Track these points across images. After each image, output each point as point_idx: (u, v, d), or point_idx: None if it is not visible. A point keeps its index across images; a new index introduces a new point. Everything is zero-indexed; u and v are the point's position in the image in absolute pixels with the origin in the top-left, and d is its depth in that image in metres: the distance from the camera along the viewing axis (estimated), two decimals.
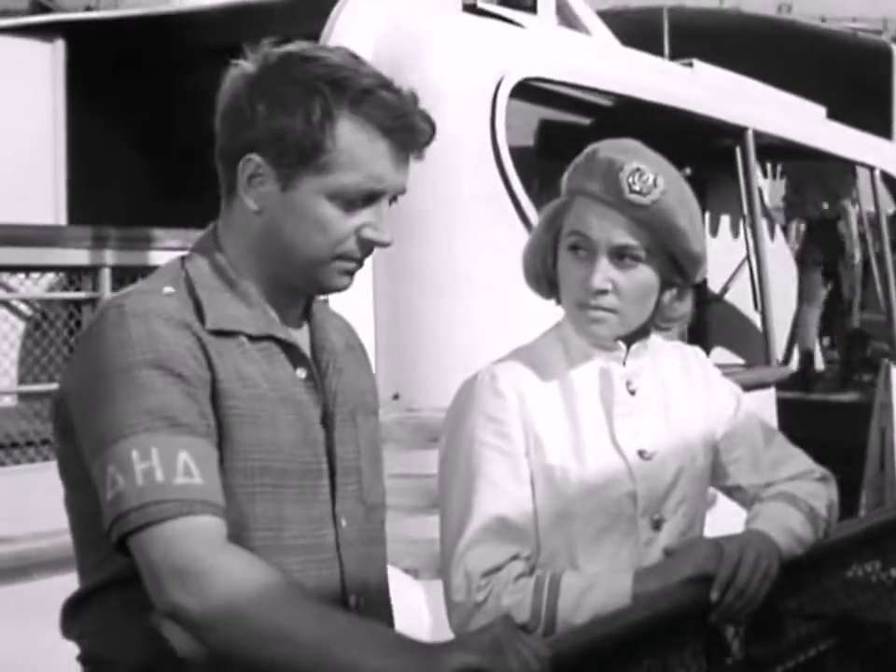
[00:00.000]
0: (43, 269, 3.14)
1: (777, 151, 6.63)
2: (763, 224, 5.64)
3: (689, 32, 7.25)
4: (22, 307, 3.30)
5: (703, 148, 6.16)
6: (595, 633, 1.71)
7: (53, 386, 3.04)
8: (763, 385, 5.10)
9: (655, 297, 2.02)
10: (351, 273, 1.73)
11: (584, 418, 2.04)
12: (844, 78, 7.71)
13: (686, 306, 2.08)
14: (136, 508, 1.50)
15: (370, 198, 1.67)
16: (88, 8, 5.55)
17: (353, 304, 3.80)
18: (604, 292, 1.97)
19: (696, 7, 8.86)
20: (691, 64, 5.43)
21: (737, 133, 5.53)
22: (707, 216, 6.68)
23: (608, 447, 2.03)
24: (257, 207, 1.68)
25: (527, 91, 4.33)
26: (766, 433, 2.17)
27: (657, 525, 2.03)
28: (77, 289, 3.13)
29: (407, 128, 1.66)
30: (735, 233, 6.92)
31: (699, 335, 6.59)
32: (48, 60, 4.40)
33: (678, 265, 2.01)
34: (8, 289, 3.26)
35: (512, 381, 2.03)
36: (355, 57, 1.71)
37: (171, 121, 4.28)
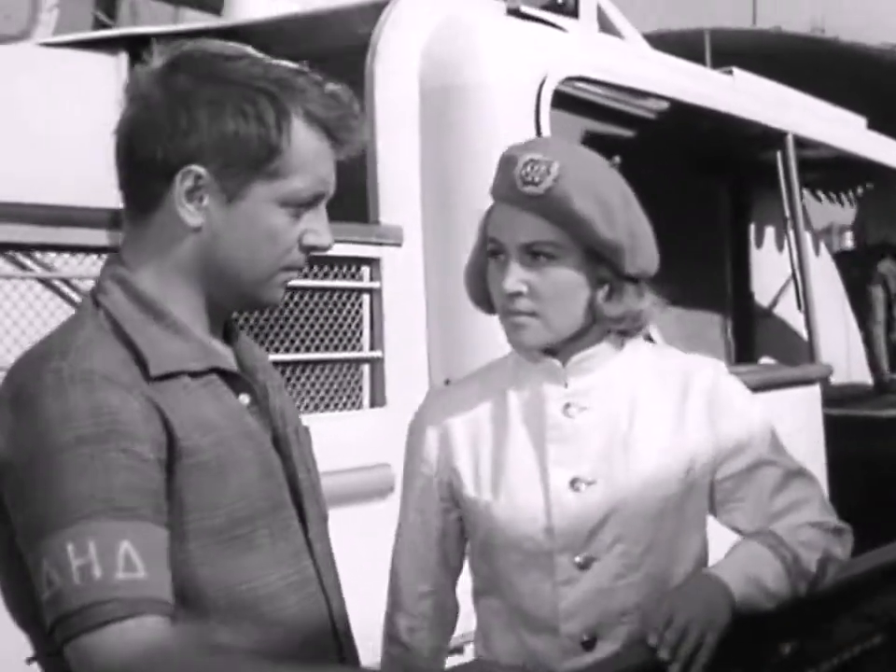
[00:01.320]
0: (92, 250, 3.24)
1: (820, 164, 6.73)
2: (803, 225, 5.73)
3: (730, 52, 7.39)
4: (65, 288, 3.41)
5: (746, 161, 6.28)
6: None
7: None
8: (807, 382, 5.19)
9: (584, 296, 1.87)
10: (285, 286, 1.61)
11: (512, 447, 1.93)
12: (884, 96, 7.82)
13: (626, 305, 1.88)
14: (75, 611, 1.33)
15: (312, 202, 1.56)
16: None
17: (406, 296, 3.97)
18: (518, 294, 1.86)
19: (737, 27, 9.00)
20: (730, 72, 5.56)
21: (778, 138, 5.64)
22: (752, 229, 6.79)
23: (530, 478, 1.91)
24: (196, 223, 1.51)
25: (569, 101, 4.48)
26: (784, 475, 1.94)
27: (583, 565, 1.88)
28: None
29: (349, 127, 1.56)
30: (780, 247, 7.02)
31: (747, 349, 6.69)
32: (112, 72, 4.60)
33: (600, 257, 1.86)
34: (48, 268, 3.36)
35: (440, 409, 2.00)
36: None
37: None
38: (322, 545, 1.65)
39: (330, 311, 3.84)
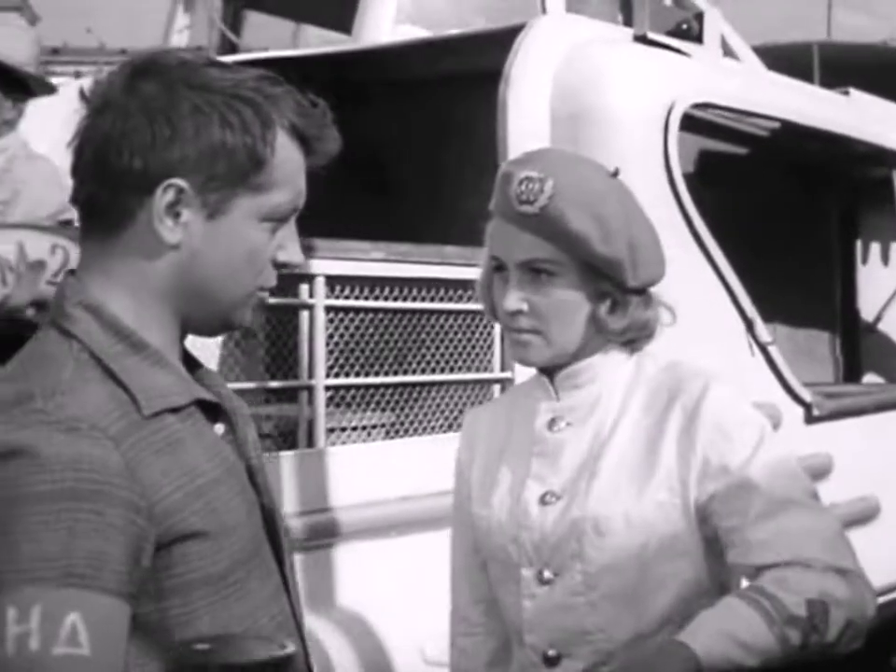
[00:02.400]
0: None
1: None
2: None
3: (838, 66, 7.40)
4: None
5: (855, 176, 6.30)
6: None
7: (238, 385, 3.37)
8: None
9: (586, 311, 1.85)
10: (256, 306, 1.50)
11: (506, 460, 1.95)
12: None
13: (631, 317, 1.86)
14: None
15: (288, 216, 1.46)
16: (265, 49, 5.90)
17: None
18: (519, 312, 1.84)
19: (846, 41, 8.98)
20: (847, 92, 5.59)
21: (892, 156, 5.66)
22: (859, 244, 6.80)
23: (512, 491, 1.92)
24: (174, 241, 1.38)
25: (688, 122, 4.55)
26: (775, 502, 1.76)
27: (545, 580, 1.87)
28: (295, 296, 3.45)
29: (325, 139, 1.47)
30: (886, 261, 7.00)
31: (852, 364, 6.70)
32: None
33: (600, 272, 1.83)
34: None
35: (470, 427, 2.05)
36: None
37: (354, 149, 4.58)
38: (293, 579, 1.56)
39: (463, 333, 3.95)
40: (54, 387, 1.32)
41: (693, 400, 1.84)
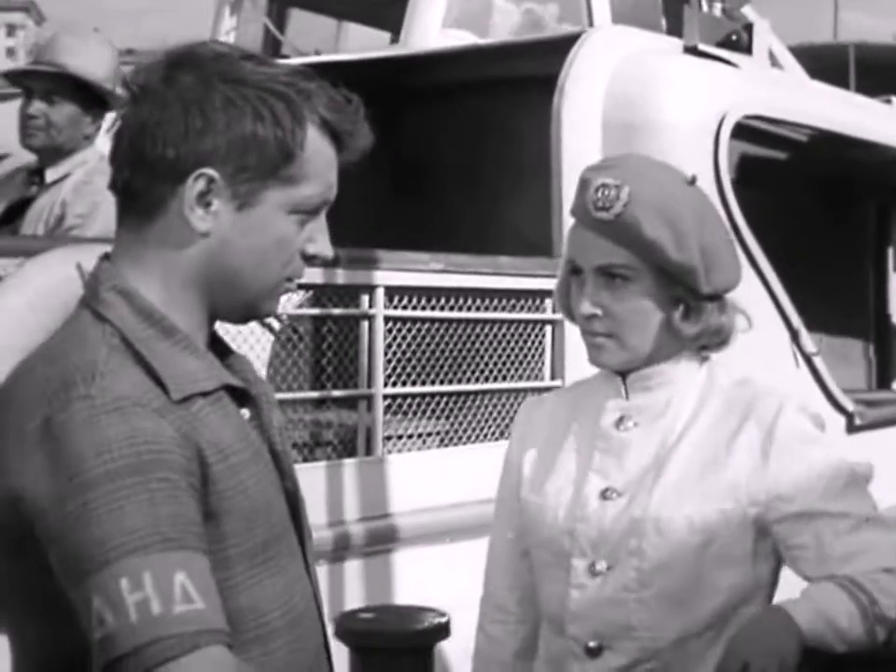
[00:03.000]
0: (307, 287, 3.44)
1: None
2: None
3: (873, 66, 7.42)
4: (273, 322, 3.59)
5: (889, 179, 6.33)
6: None
7: (300, 395, 3.45)
8: None
9: (659, 316, 1.88)
10: (283, 295, 1.54)
11: (565, 453, 1.98)
12: None
13: (705, 322, 1.88)
14: (130, 652, 1.25)
15: (318, 209, 1.49)
16: (317, 52, 5.93)
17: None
18: (594, 316, 1.87)
19: (880, 42, 9.00)
20: (889, 101, 5.62)
21: None
22: (891, 250, 6.83)
23: (569, 482, 1.95)
24: (205, 229, 1.42)
25: (735, 129, 4.57)
26: (848, 525, 1.85)
27: (597, 572, 1.90)
28: (356, 307, 3.50)
29: (356, 133, 1.49)
30: None
31: (883, 367, 6.73)
32: None
33: (674, 278, 1.87)
34: None
35: (526, 417, 2.08)
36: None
37: (396, 151, 4.61)
38: (314, 564, 1.59)
39: (516, 342, 4.00)
40: (93, 371, 1.35)
41: (767, 419, 1.88)
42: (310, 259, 1.50)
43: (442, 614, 1.32)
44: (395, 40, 5.52)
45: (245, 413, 1.50)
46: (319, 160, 1.45)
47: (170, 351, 1.42)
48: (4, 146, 3.95)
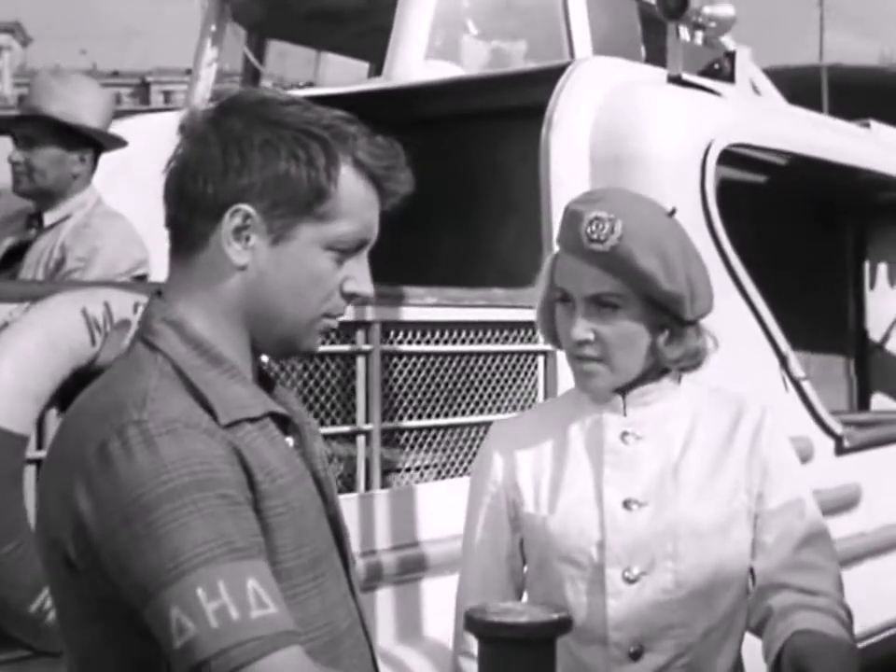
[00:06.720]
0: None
1: None
2: None
3: (847, 89, 7.49)
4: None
5: (870, 202, 6.40)
6: None
7: (327, 430, 3.45)
8: None
9: (646, 341, 1.98)
10: (326, 334, 1.59)
11: (570, 469, 2.04)
12: None
13: (686, 346, 1.99)
14: (215, 655, 1.31)
15: (356, 248, 1.55)
16: (310, 83, 5.96)
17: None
18: (586, 342, 1.96)
19: (855, 64, 9.08)
20: (868, 125, 5.69)
21: None
22: (867, 266, 6.89)
23: (586, 497, 2.01)
24: (242, 262, 1.50)
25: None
26: (814, 531, 2.02)
27: (632, 579, 1.98)
28: (353, 342, 3.51)
29: (395, 178, 1.56)
30: (893, 283, 7.10)
31: (861, 384, 6.79)
32: None
33: (661, 306, 1.97)
34: None
35: (505, 436, 2.12)
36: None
37: None
38: (358, 587, 1.65)
39: (509, 373, 4.02)
40: (144, 396, 1.42)
41: (754, 424, 2.04)
42: (349, 297, 1.56)
43: (561, 608, 1.38)
44: (377, 71, 5.54)
45: (290, 441, 1.57)
46: (354, 199, 1.52)
47: (218, 379, 1.49)
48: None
